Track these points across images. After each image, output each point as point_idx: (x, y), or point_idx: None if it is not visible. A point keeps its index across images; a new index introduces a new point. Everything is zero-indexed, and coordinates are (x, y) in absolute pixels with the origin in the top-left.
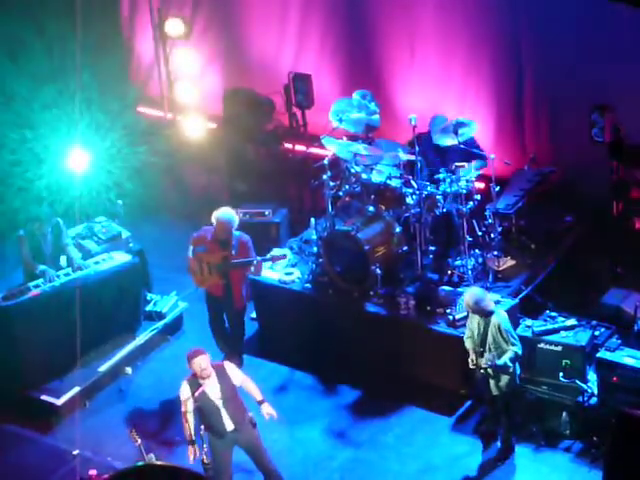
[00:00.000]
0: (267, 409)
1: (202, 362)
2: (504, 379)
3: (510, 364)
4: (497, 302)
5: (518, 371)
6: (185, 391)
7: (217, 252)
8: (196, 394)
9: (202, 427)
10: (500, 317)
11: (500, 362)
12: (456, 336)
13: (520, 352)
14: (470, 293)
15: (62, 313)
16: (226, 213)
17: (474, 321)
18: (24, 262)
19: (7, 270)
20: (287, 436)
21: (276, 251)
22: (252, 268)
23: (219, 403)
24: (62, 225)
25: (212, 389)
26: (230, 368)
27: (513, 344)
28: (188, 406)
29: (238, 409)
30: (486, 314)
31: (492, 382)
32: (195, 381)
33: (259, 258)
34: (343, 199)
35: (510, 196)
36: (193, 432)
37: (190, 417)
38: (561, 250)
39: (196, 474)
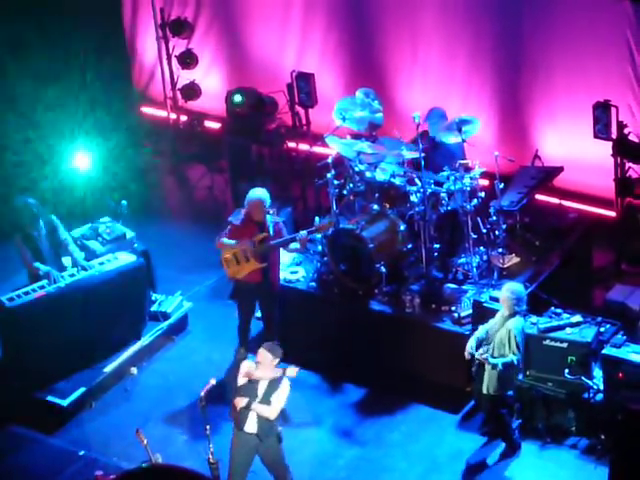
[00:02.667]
0: (290, 371)
1: (261, 357)
2: (494, 381)
3: (501, 367)
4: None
5: (510, 390)
6: (245, 366)
7: (255, 235)
8: (245, 376)
9: (208, 427)
10: (517, 323)
11: (493, 360)
12: (461, 334)
13: (516, 363)
14: (515, 288)
15: (67, 314)
16: (258, 192)
17: (497, 315)
18: (24, 264)
19: (12, 271)
20: (293, 435)
21: (319, 221)
22: (297, 244)
23: (255, 401)
24: (56, 221)
25: (261, 386)
26: (283, 386)
27: (514, 353)
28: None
29: (267, 420)
30: (512, 313)
31: (485, 379)
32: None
33: (304, 232)
34: (347, 198)
35: (514, 193)
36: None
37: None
38: (566, 247)
39: (202, 474)
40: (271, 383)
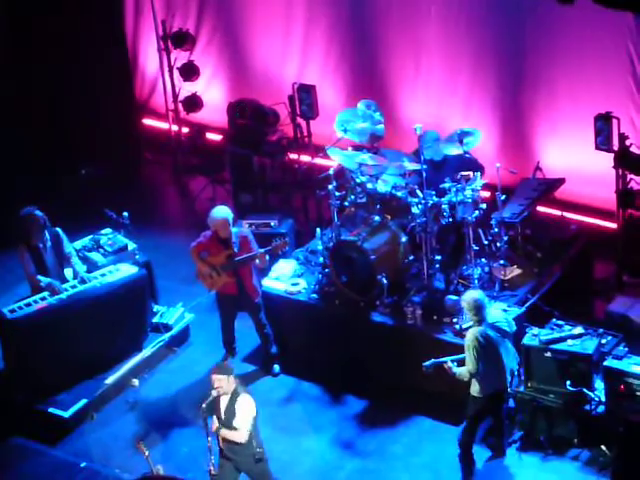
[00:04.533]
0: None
1: (215, 382)
2: (473, 388)
3: (458, 376)
4: (504, 311)
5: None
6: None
7: (221, 252)
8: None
9: (209, 439)
10: (469, 334)
11: (454, 370)
12: (463, 345)
13: (466, 375)
14: (468, 297)
15: (69, 326)
16: (221, 211)
17: None
18: (26, 275)
19: (13, 282)
20: (294, 447)
21: (276, 241)
22: (257, 261)
23: (222, 421)
24: (62, 234)
25: (222, 404)
26: (242, 402)
27: (470, 363)
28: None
29: (237, 443)
30: (474, 321)
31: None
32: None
33: (261, 250)
34: (349, 209)
35: (516, 205)
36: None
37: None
38: (567, 258)
39: None
40: (229, 403)
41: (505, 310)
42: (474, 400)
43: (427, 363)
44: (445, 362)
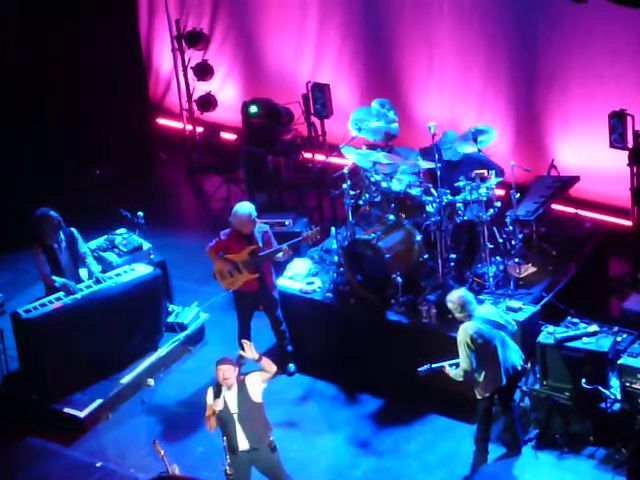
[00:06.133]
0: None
1: (225, 372)
2: (475, 390)
3: (456, 378)
4: (519, 309)
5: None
6: (209, 397)
7: (243, 249)
8: (216, 402)
9: (225, 438)
10: (460, 331)
11: (449, 370)
12: None
13: (461, 375)
14: (452, 297)
15: (84, 325)
16: (245, 207)
17: None
18: (40, 276)
19: (28, 283)
20: (310, 446)
21: (307, 230)
22: (280, 255)
23: (235, 417)
24: (76, 233)
25: (231, 400)
26: (251, 384)
27: (463, 361)
28: (209, 411)
29: (256, 428)
30: (462, 319)
31: None
32: (219, 389)
33: (285, 245)
34: (363, 208)
35: (530, 203)
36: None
37: (212, 423)
38: (582, 256)
39: None
40: (239, 393)
41: (506, 311)
42: (480, 400)
43: (422, 368)
44: (442, 367)
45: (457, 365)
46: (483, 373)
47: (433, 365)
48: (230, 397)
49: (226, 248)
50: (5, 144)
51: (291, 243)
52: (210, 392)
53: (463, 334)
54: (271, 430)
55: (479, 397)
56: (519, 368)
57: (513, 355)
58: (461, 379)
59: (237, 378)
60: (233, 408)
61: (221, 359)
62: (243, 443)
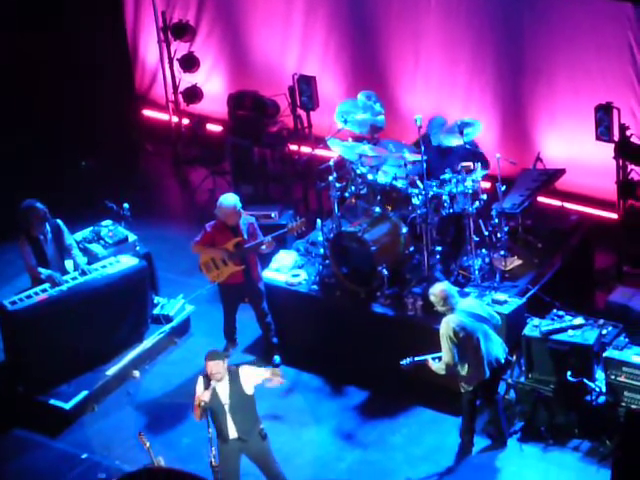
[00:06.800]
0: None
1: (213, 367)
2: (459, 384)
3: (439, 371)
4: (505, 302)
5: (470, 386)
6: (199, 386)
7: (229, 240)
8: (205, 393)
9: (210, 430)
10: (442, 324)
11: (431, 363)
12: None
13: (443, 368)
14: (434, 290)
15: (69, 317)
16: (230, 199)
17: None
18: (26, 268)
19: (14, 274)
20: (295, 438)
21: (292, 222)
22: (264, 247)
23: (227, 408)
24: (63, 226)
25: (222, 392)
26: (245, 375)
27: (443, 355)
28: (197, 401)
29: (247, 419)
30: (444, 312)
31: None
32: (209, 380)
33: (268, 237)
34: (349, 200)
35: (516, 196)
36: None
37: (199, 412)
38: (568, 249)
39: (204, 478)
40: (230, 384)
41: (491, 304)
42: (463, 393)
43: (405, 361)
44: (425, 361)
45: (440, 358)
46: (466, 366)
47: (416, 358)
48: (221, 388)
49: (212, 240)
50: None
51: (276, 235)
52: (200, 381)
53: (446, 327)
54: (260, 419)
55: (462, 390)
56: (502, 361)
57: (496, 348)
58: (443, 372)
59: (228, 369)
60: (224, 399)
61: (210, 354)
62: (233, 432)
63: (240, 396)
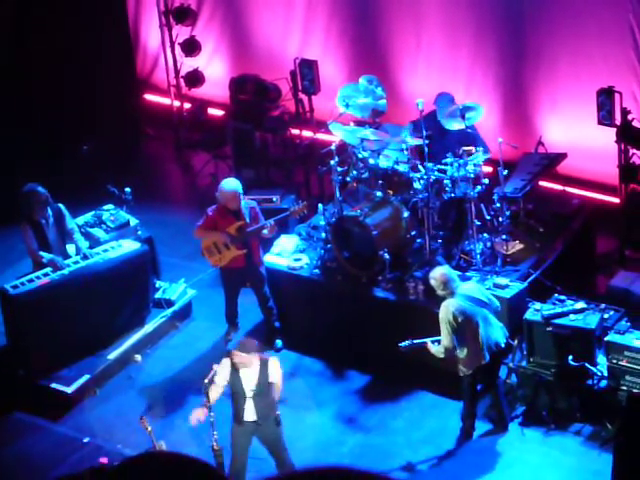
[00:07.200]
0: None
1: (241, 358)
2: (459, 367)
3: (437, 354)
4: (506, 286)
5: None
6: (223, 366)
7: (231, 224)
8: (230, 375)
9: (212, 414)
10: (441, 309)
11: (430, 347)
12: None
13: (442, 351)
14: (434, 274)
15: (71, 301)
16: (231, 183)
17: None
18: (28, 252)
19: (16, 259)
20: (297, 422)
21: (294, 205)
22: (265, 231)
23: (249, 393)
24: (64, 210)
25: (249, 378)
26: (272, 365)
27: (442, 339)
28: (219, 381)
29: (267, 405)
30: (444, 296)
31: None
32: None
33: (271, 221)
34: (350, 184)
35: (518, 180)
36: (213, 400)
37: (216, 389)
38: (569, 233)
39: (205, 462)
40: (260, 372)
41: (493, 288)
42: (464, 377)
43: (404, 344)
44: (424, 343)
45: (439, 342)
46: (465, 350)
47: (415, 341)
48: (248, 374)
49: (214, 223)
50: None
51: (278, 218)
52: (226, 364)
53: (445, 311)
54: (277, 406)
55: (462, 374)
56: (502, 345)
57: (496, 332)
58: (442, 356)
59: (259, 358)
60: (249, 385)
61: (240, 344)
62: (250, 416)
63: (264, 384)
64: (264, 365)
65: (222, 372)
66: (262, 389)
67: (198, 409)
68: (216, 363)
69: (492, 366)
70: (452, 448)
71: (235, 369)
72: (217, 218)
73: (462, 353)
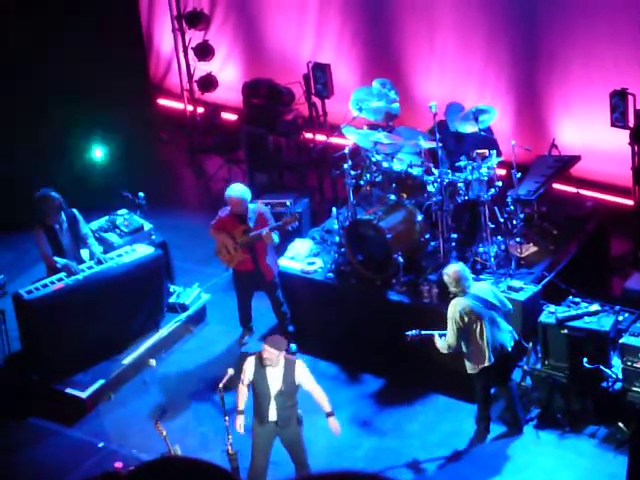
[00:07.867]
0: (333, 423)
1: (268, 354)
2: (466, 365)
3: (442, 350)
4: (520, 289)
5: (471, 366)
6: (248, 365)
7: (237, 227)
8: (255, 374)
9: (227, 418)
10: (450, 306)
11: (437, 341)
12: None
13: (446, 347)
14: (448, 270)
15: (85, 306)
16: (238, 189)
17: None
18: (42, 257)
19: (30, 264)
20: (311, 425)
21: (286, 217)
22: (265, 238)
23: (273, 393)
24: (78, 215)
25: (274, 378)
26: (300, 367)
27: (447, 336)
28: (244, 380)
29: (290, 406)
30: (453, 295)
31: None
32: (261, 361)
33: (266, 229)
34: (364, 188)
35: (531, 182)
36: (243, 404)
37: (243, 390)
38: (583, 236)
39: (221, 467)
40: (285, 373)
41: (507, 291)
42: (473, 377)
43: (411, 332)
44: (431, 335)
45: (446, 336)
46: (469, 349)
47: (422, 332)
48: (273, 374)
49: (223, 226)
50: (6, 125)
51: (272, 227)
52: (251, 361)
53: (452, 309)
54: (298, 405)
55: (470, 371)
56: (509, 348)
57: (503, 335)
58: (446, 351)
59: (285, 358)
60: (274, 385)
61: (272, 340)
62: (273, 416)
63: (289, 385)
64: (290, 366)
65: (248, 371)
66: (285, 389)
67: (238, 417)
68: (231, 367)
69: (500, 368)
70: (467, 451)
71: (262, 366)
72: (225, 220)
73: (467, 351)
